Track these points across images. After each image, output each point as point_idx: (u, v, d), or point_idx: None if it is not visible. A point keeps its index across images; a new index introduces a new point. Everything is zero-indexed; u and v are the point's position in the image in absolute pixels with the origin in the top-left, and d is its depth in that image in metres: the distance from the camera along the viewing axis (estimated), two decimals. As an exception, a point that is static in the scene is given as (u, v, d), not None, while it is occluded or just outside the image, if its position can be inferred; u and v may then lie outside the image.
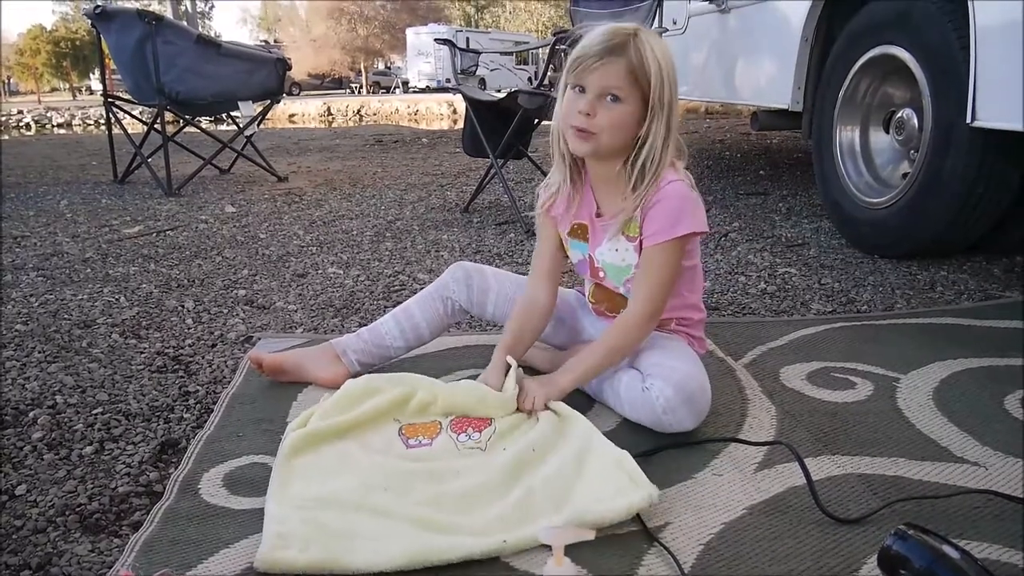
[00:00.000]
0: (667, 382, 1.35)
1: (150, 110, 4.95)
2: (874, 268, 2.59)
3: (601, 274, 1.54)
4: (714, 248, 2.90)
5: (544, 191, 1.57)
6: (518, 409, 1.41)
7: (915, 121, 2.59)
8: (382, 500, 1.15)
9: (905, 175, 2.65)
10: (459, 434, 1.35)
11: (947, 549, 0.94)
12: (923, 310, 2.14)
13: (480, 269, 1.69)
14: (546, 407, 1.40)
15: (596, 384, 1.52)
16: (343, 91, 34.04)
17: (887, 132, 2.81)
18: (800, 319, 2.09)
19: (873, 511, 1.14)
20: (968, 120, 2.20)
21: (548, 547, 1.03)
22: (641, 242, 1.43)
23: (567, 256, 1.60)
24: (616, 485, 1.16)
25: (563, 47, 3.01)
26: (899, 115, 2.70)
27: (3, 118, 17.12)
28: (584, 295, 1.68)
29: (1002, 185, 2.33)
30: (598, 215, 1.50)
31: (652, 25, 3.50)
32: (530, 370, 1.64)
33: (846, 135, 2.95)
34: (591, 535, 1.03)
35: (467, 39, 23.91)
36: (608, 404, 1.50)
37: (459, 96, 3.74)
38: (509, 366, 1.46)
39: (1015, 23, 2.06)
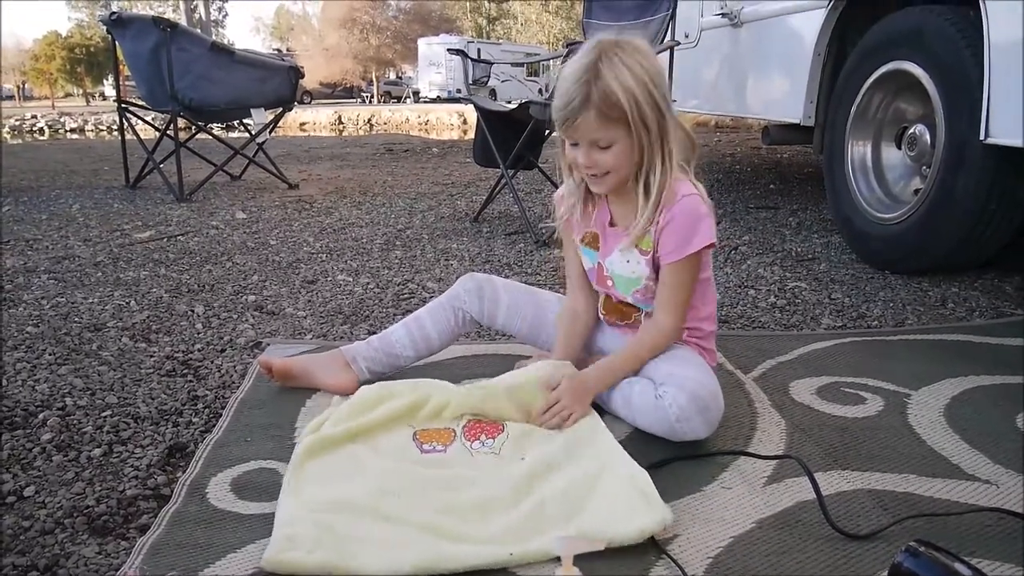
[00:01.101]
0: (681, 390, 1.36)
1: (163, 116, 4.98)
2: (885, 284, 2.58)
3: (609, 283, 1.55)
4: (724, 262, 2.90)
5: (561, 203, 1.58)
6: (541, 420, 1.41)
7: (928, 137, 2.59)
8: (394, 506, 1.15)
9: (917, 191, 2.64)
10: (472, 442, 1.35)
11: (958, 567, 0.93)
12: (934, 326, 2.13)
13: (491, 280, 1.69)
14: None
15: (607, 394, 1.52)
16: (354, 100, 34.19)
17: (899, 148, 2.81)
18: (810, 333, 2.08)
19: (883, 527, 1.13)
20: (981, 137, 2.20)
21: (556, 558, 1.03)
22: (654, 257, 1.45)
23: None
24: (629, 504, 1.15)
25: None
26: (911, 131, 2.69)
27: (17, 122, 17.27)
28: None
29: (1015, 202, 2.32)
30: (611, 224, 1.51)
31: (664, 38, 3.51)
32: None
33: (858, 150, 2.94)
34: (601, 545, 1.03)
35: (478, 50, 24.02)
36: (619, 414, 1.49)
37: (470, 107, 3.75)
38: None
39: (1029, 40, 2.05)
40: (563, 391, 1.42)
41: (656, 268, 1.47)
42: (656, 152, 1.38)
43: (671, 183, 1.42)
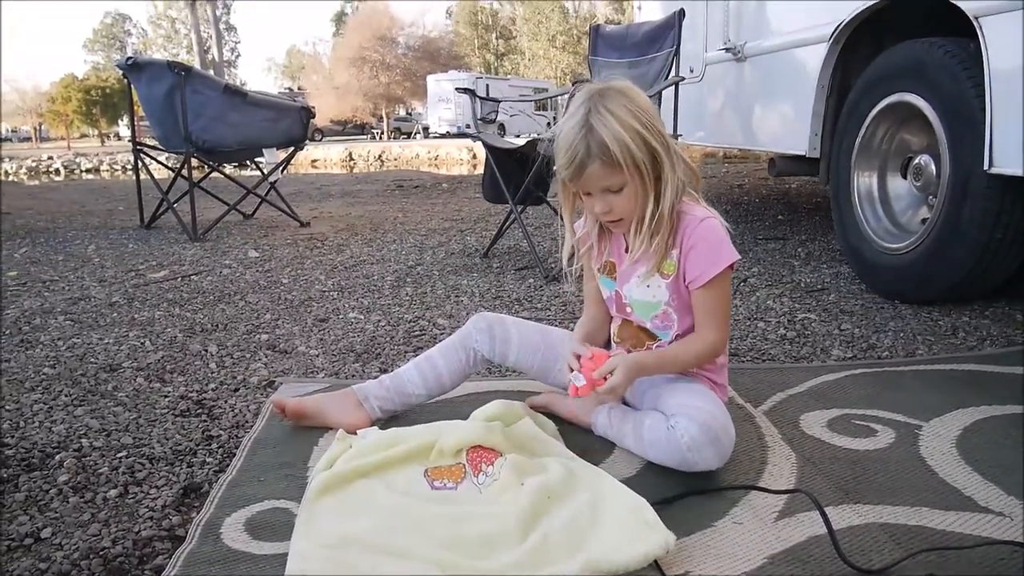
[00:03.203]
0: (692, 420, 1.37)
1: (177, 156, 5.06)
2: (895, 314, 2.58)
3: (628, 309, 1.58)
4: (733, 294, 2.91)
5: (567, 251, 1.61)
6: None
7: (933, 167, 2.61)
8: (403, 541, 1.16)
9: (924, 221, 2.65)
10: (477, 475, 1.36)
11: (971, 601, 0.93)
12: (945, 356, 2.13)
13: (502, 320, 1.71)
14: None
15: (618, 428, 1.54)
16: (365, 137, 34.59)
17: (905, 178, 2.83)
18: (820, 365, 2.08)
19: (896, 561, 1.12)
20: (985, 167, 2.22)
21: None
22: (676, 280, 1.48)
23: None
24: (632, 532, 1.16)
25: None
26: (916, 161, 2.71)
27: (34, 163, 17.54)
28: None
29: (1022, 231, 2.33)
30: (627, 250, 1.54)
31: (669, 74, 3.56)
32: (554, 417, 1.65)
33: (864, 181, 2.96)
34: (609, 583, 1.03)
35: (487, 86, 24.28)
36: (630, 448, 1.50)
37: (479, 142, 3.80)
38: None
39: (1030, 72, 2.08)
40: (615, 363, 1.41)
41: (677, 292, 1.50)
42: (653, 187, 1.41)
43: (687, 207, 1.46)
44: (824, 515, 1.21)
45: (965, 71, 2.34)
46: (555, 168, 1.46)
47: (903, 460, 1.48)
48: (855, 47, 3.10)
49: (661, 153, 1.40)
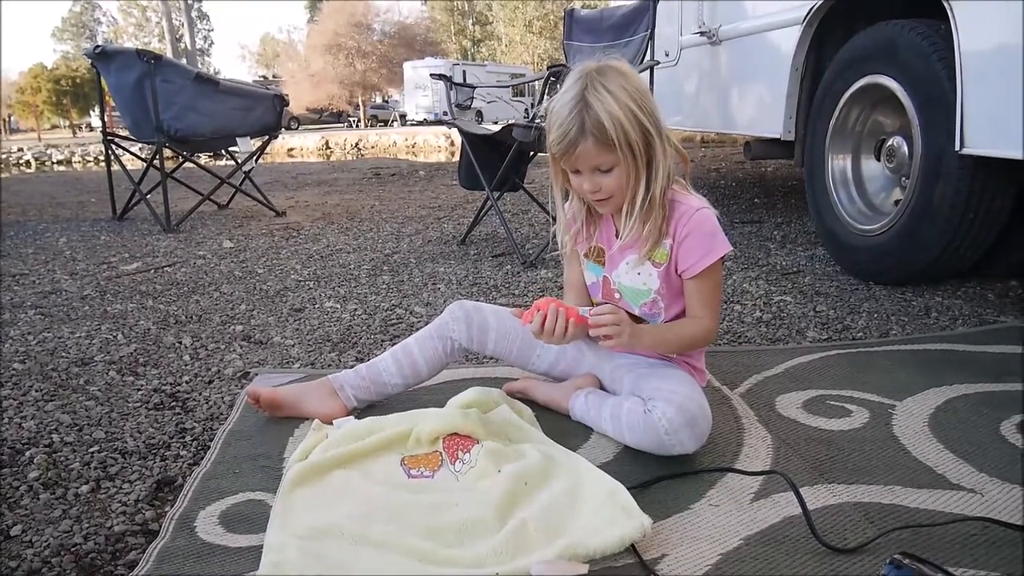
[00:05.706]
0: (669, 403, 1.37)
1: (149, 147, 4.99)
2: (869, 295, 2.60)
3: (616, 295, 1.58)
4: (710, 277, 2.91)
5: (564, 231, 1.61)
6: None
7: (905, 149, 2.62)
8: (381, 531, 1.15)
9: (897, 202, 2.67)
10: (454, 463, 1.36)
11: (942, 578, 0.94)
12: (918, 336, 2.15)
13: (480, 308, 1.69)
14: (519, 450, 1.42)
15: (595, 413, 1.53)
16: (341, 125, 34.30)
17: (878, 160, 2.84)
18: (795, 347, 2.10)
19: (869, 540, 1.13)
20: (957, 148, 2.23)
21: (542, 581, 1.03)
22: (667, 268, 1.49)
23: None
24: (609, 516, 1.16)
25: (557, 81, 3.05)
26: (890, 143, 2.73)
27: (3, 156, 17.24)
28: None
29: (993, 210, 2.35)
30: (617, 235, 1.53)
31: (644, 58, 3.55)
32: (531, 403, 1.65)
33: (838, 163, 2.98)
34: (584, 569, 1.04)
35: (464, 72, 24.16)
36: (607, 433, 1.50)
37: (455, 129, 3.78)
38: None
39: (999, 50, 2.09)
40: (622, 319, 1.38)
41: (668, 280, 1.50)
42: (645, 169, 1.41)
43: (681, 197, 1.46)
44: (799, 495, 1.22)
45: (936, 52, 2.35)
46: (547, 144, 1.44)
47: (877, 440, 1.50)
48: (829, 29, 3.11)
49: (654, 136, 1.39)
